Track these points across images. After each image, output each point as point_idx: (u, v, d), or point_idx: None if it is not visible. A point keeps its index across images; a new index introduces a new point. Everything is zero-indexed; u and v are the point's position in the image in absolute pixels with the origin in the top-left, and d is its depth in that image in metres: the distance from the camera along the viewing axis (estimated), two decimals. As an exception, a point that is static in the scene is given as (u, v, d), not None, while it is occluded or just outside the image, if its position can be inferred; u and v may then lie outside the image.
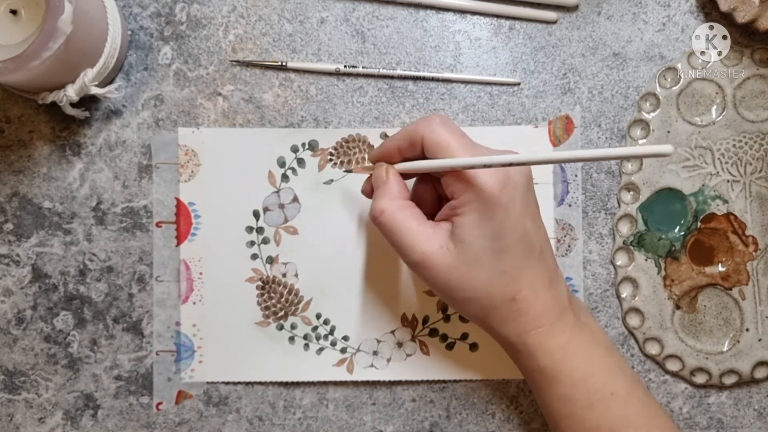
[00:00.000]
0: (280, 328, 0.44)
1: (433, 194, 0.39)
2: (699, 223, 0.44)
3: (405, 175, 0.38)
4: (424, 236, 0.35)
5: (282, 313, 0.44)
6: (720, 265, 0.44)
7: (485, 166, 0.33)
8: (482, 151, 0.35)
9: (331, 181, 0.44)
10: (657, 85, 0.44)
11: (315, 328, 0.44)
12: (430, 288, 0.37)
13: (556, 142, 0.44)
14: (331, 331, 0.44)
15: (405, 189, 0.37)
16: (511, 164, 0.32)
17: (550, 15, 0.44)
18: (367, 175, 0.39)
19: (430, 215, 0.37)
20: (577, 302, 0.39)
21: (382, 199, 0.36)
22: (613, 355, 0.38)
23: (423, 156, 0.36)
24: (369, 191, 0.38)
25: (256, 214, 0.44)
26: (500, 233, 0.34)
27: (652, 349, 0.44)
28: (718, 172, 0.44)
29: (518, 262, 0.35)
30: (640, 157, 0.30)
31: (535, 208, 0.36)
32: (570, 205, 0.44)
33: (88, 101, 0.43)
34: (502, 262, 0.34)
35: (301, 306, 0.44)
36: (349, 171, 0.43)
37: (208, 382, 0.44)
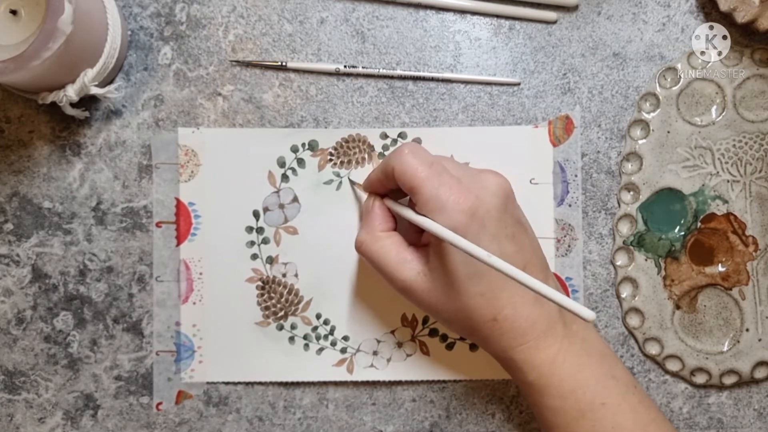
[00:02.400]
0: (280, 328, 0.44)
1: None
2: (699, 223, 0.44)
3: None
4: (401, 265, 0.37)
5: (282, 313, 0.44)
6: (720, 265, 0.44)
7: (452, 243, 0.33)
8: (449, 185, 0.35)
9: (331, 181, 0.44)
10: (657, 85, 0.44)
11: (315, 328, 0.44)
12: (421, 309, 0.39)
13: (556, 142, 0.44)
14: (331, 331, 0.44)
15: (388, 219, 0.39)
16: (470, 253, 0.32)
17: (550, 15, 0.44)
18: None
19: (419, 237, 0.39)
20: None
21: (362, 232, 0.38)
22: (606, 363, 0.37)
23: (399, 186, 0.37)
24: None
25: (256, 214, 0.44)
26: (470, 260, 0.34)
27: (652, 349, 0.44)
28: (718, 172, 0.44)
29: (495, 284, 0.35)
30: (564, 308, 0.31)
31: (515, 226, 0.36)
32: (570, 205, 0.44)
33: (88, 101, 0.43)
34: (478, 287, 0.35)
35: (301, 306, 0.44)
36: (353, 182, 0.43)
37: (208, 382, 0.44)
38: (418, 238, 0.39)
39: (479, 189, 0.35)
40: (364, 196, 0.41)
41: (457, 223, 0.34)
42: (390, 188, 0.38)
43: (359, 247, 0.38)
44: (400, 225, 0.40)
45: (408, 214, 0.37)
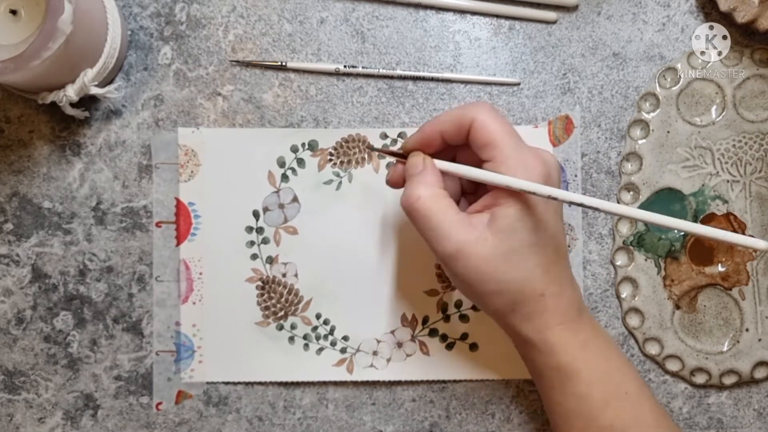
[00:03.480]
0: (280, 328, 0.44)
1: (458, 188, 0.39)
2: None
3: None
4: (461, 226, 0.34)
5: (282, 313, 0.44)
6: (720, 265, 0.44)
7: (532, 192, 0.33)
8: (525, 147, 0.35)
9: (331, 181, 0.44)
10: (657, 85, 0.44)
11: (315, 328, 0.44)
12: (455, 281, 0.36)
13: (555, 142, 0.44)
14: (331, 331, 0.44)
15: (441, 179, 0.36)
16: (572, 203, 0.33)
17: (549, 15, 0.44)
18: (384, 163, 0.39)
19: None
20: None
21: (418, 186, 0.35)
22: (624, 354, 0.38)
23: (466, 142, 0.36)
24: (396, 180, 0.38)
25: (255, 214, 0.44)
26: (539, 227, 0.34)
27: (652, 349, 0.44)
28: (717, 172, 0.44)
29: (551, 257, 0.35)
30: (729, 243, 0.33)
31: (561, 206, 0.37)
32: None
33: (87, 101, 0.43)
34: (538, 257, 0.34)
35: (300, 306, 0.44)
36: (372, 148, 0.40)
37: (207, 382, 0.44)
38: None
39: (546, 160, 0.35)
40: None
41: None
42: (442, 146, 0.37)
43: (415, 201, 0.35)
44: None
45: (475, 172, 0.35)
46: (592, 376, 0.36)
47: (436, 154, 0.37)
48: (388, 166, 0.44)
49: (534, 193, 0.33)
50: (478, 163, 0.35)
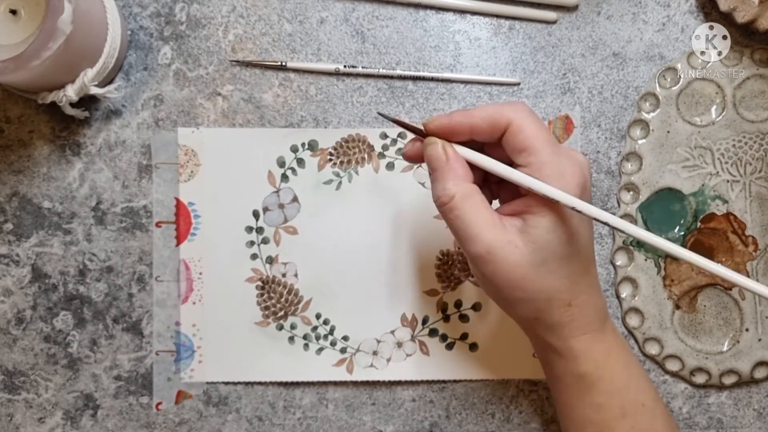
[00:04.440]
0: (280, 328, 0.44)
1: (480, 179, 0.36)
2: (699, 223, 0.44)
3: None
4: (493, 229, 0.32)
5: (282, 313, 0.44)
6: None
7: (571, 207, 0.31)
8: (563, 153, 0.33)
9: (331, 180, 0.44)
10: (657, 85, 0.44)
11: (315, 328, 0.44)
12: (481, 282, 0.35)
13: (555, 142, 0.44)
14: (331, 331, 0.44)
15: (469, 171, 0.33)
16: (608, 225, 0.31)
17: (549, 15, 0.44)
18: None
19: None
20: None
21: (449, 182, 0.33)
22: (641, 365, 0.38)
23: (496, 142, 0.33)
24: (411, 156, 0.35)
25: (255, 214, 0.44)
26: (572, 239, 0.33)
27: (652, 349, 0.44)
28: (717, 172, 0.44)
29: (581, 268, 0.34)
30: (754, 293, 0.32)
31: None
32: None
33: (87, 101, 0.43)
34: (568, 268, 0.33)
35: (300, 306, 0.44)
36: (384, 116, 0.36)
37: (207, 382, 0.44)
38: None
39: (580, 161, 0.33)
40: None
41: (573, 195, 0.32)
42: (467, 140, 0.34)
43: (447, 202, 0.33)
44: None
45: (508, 172, 0.32)
46: (612, 385, 0.35)
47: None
48: (388, 166, 0.44)
49: (572, 208, 0.31)
50: (508, 161, 0.33)
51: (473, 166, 0.34)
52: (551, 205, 0.32)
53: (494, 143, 0.34)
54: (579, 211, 0.31)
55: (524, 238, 0.32)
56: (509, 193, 0.35)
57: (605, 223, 0.31)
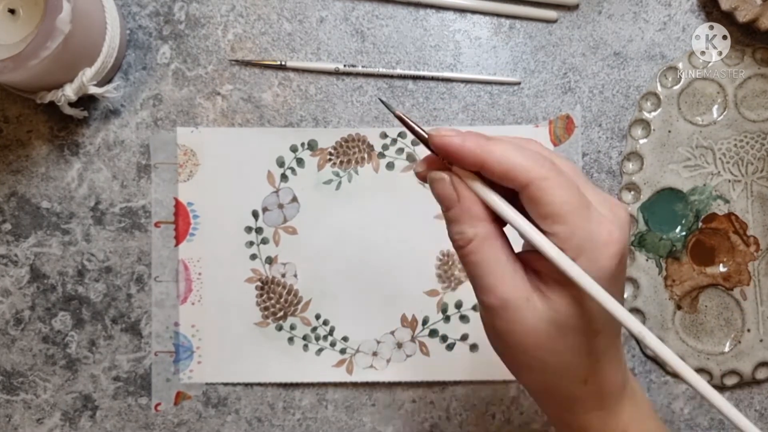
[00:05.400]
0: (280, 328, 0.44)
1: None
2: (700, 223, 0.44)
3: None
4: (511, 280, 0.28)
5: (281, 313, 0.44)
6: (721, 265, 0.44)
7: (596, 299, 0.26)
8: (596, 218, 0.27)
9: (331, 180, 0.44)
10: (658, 84, 0.44)
11: (314, 329, 0.44)
12: (491, 338, 0.30)
13: (556, 141, 0.44)
14: (331, 332, 0.44)
15: (485, 210, 0.28)
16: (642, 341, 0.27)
17: (550, 14, 0.44)
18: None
19: None
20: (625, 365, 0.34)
21: (464, 225, 0.28)
22: (660, 426, 0.34)
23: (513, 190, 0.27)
24: (424, 177, 0.30)
25: (255, 214, 0.44)
26: (598, 317, 0.28)
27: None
28: (719, 172, 0.44)
29: (602, 346, 0.30)
30: None
31: (625, 277, 0.32)
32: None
33: (86, 101, 0.43)
34: (588, 346, 0.29)
35: (300, 306, 0.44)
36: (387, 105, 0.29)
37: (207, 383, 0.44)
38: None
39: (619, 221, 0.28)
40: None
41: (607, 270, 0.27)
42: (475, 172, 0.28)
43: (465, 245, 0.28)
44: None
45: (534, 239, 0.27)
46: None
47: None
48: (388, 166, 0.44)
49: (598, 301, 0.26)
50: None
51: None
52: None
53: None
54: (607, 311, 0.27)
55: (545, 305, 0.28)
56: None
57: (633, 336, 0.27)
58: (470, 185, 0.28)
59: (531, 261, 0.29)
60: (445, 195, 0.29)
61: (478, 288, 0.29)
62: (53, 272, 0.44)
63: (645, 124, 0.44)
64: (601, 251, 0.27)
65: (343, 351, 0.44)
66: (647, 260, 0.44)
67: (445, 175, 0.29)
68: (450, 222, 0.29)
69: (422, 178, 0.30)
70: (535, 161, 0.27)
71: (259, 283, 0.44)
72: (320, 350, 0.44)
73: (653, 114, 0.44)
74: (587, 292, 0.26)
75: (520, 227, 0.27)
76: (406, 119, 0.29)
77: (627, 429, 0.31)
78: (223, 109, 0.44)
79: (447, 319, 0.44)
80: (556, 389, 0.31)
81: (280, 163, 0.44)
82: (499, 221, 0.29)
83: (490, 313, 0.29)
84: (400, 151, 0.44)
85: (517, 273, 0.28)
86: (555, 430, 0.34)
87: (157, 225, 0.44)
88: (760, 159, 0.44)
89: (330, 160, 0.44)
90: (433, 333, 0.44)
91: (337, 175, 0.44)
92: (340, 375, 0.44)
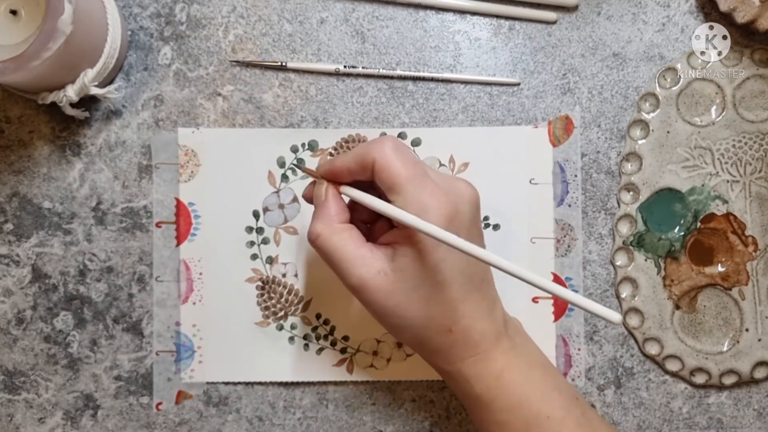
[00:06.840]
0: (280, 328, 0.44)
1: (371, 216, 0.38)
2: (699, 224, 0.44)
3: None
4: (361, 261, 0.34)
5: (282, 313, 0.44)
6: (720, 265, 0.44)
7: (434, 237, 0.31)
8: (430, 185, 0.33)
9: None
10: (657, 85, 0.44)
11: (315, 328, 0.44)
12: (369, 312, 0.36)
13: (555, 142, 0.44)
14: (331, 331, 0.44)
15: (344, 210, 0.36)
16: (461, 250, 0.31)
17: (549, 15, 0.44)
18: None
19: (368, 234, 0.37)
20: (511, 323, 0.38)
21: (318, 223, 0.35)
22: (548, 375, 0.37)
23: (373, 180, 0.35)
24: (307, 197, 0.38)
25: (255, 215, 0.44)
26: (442, 266, 0.33)
27: (652, 349, 0.44)
28: (717, 173, 0.44)
29: (457, 294, 0.34)
30: (588, 311, 0.31)
31: (479, 236, 0.36)
32: (570, 205, 0.44)
33: (87, 101, 0.43)
34: (441, 295, 0.34)
35: (300, 306, 0.44)
36: (302, 169, 0.39)
37: (208, 383, 0.44)
38: (369, 236, 0.37)
39: (456, 196, 0.34)
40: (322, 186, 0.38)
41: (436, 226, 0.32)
42: (354, 180, 0.36)
43: (315, 240, 0.35)
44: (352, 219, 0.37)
45: (385, 207, 0.33)
46: (509, 404, 0.35)
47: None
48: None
49: (433, 237, 0.31)
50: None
51: (367, 217, 0.37)
52: (417, 234, 0.33)
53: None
54: (447, 244, 0.31)
55: (393, 267, 0.34)
56: (386, 226, 0.37)
57: (457, 248, 0.31)
58: (343, 189, 0.36)
59: (390, 240, 0.35)
60: (317, 194, 0.36)
61: (339, 276, 0.35)
62: (55, 272, 0.44)
63: (644, 124, 0.44)
64: (433, 213, 0.32)
65: (343, 350, 0.44)
66: (646, 260, 0.44)
67: (324, 181, 0.36)
68: (312, 220, 0.35)
69: (307, 198, 0.38)
70: (378, 144, 0.34)
71: (259, 283, 0.44)
72: (321, 350, 0.44)
73: (652, 115, 0.44)
74: (420, 230, 0.31)
75: (372, 203, 0.34)
76: (307, 168, 0.38)
77: (501, 375, 0.35)
78: (224, 109, 0.44)
79: (447, 318, 0.44)
80: (427, 341, 0.35)
81: (281, 163, 0.44)
82: (362, 218, 0.37)
83: (356, 293, 0.35)
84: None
85: (365, 255, 0.34)
86: (445, 380, 0.38)
87: (158, 225, 0.44)
88: (758, 159, 0.44)
89: (330, 160, 0.44)
90: (433, 332, 0.44)
91: (338, 175, 0.44)
92: (341, 374, 0.44)
